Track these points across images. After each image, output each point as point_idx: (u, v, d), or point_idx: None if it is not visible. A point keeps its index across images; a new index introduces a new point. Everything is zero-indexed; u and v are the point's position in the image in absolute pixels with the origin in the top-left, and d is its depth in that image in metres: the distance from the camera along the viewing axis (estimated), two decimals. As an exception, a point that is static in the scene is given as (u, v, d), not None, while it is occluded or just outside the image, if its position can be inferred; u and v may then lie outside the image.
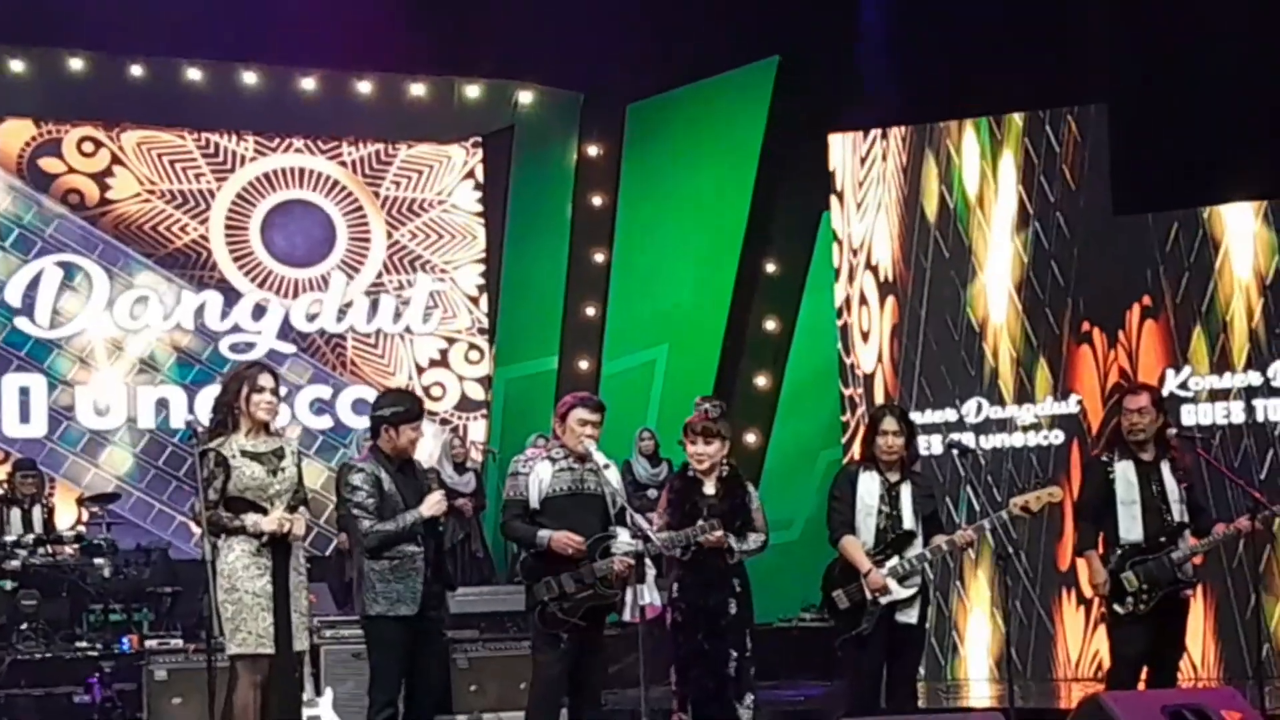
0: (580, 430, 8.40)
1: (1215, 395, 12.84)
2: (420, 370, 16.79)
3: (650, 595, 8.33)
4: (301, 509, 7.99)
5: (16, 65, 15.43)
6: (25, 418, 15.41)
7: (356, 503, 8.15)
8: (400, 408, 8.36)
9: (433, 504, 8.24)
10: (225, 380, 8.10)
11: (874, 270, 14.01)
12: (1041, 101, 13.54)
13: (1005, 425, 13.40)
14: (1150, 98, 13.31)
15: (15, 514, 13.50)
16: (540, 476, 8.40)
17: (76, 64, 15.51)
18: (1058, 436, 13.22)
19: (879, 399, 13.63)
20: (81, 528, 14.14)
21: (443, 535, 8.52)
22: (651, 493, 13.73)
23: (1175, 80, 13.20)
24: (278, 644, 7.74)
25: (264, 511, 7.77)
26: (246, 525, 7.72)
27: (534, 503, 8.38)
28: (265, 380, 7.88)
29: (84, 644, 12.53)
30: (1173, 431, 8.94)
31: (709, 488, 8.73)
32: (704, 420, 8.81)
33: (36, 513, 13.61)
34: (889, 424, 8.58)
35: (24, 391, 15.44)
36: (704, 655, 8.58)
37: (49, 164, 15.78)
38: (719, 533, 8.49)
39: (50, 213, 15.69)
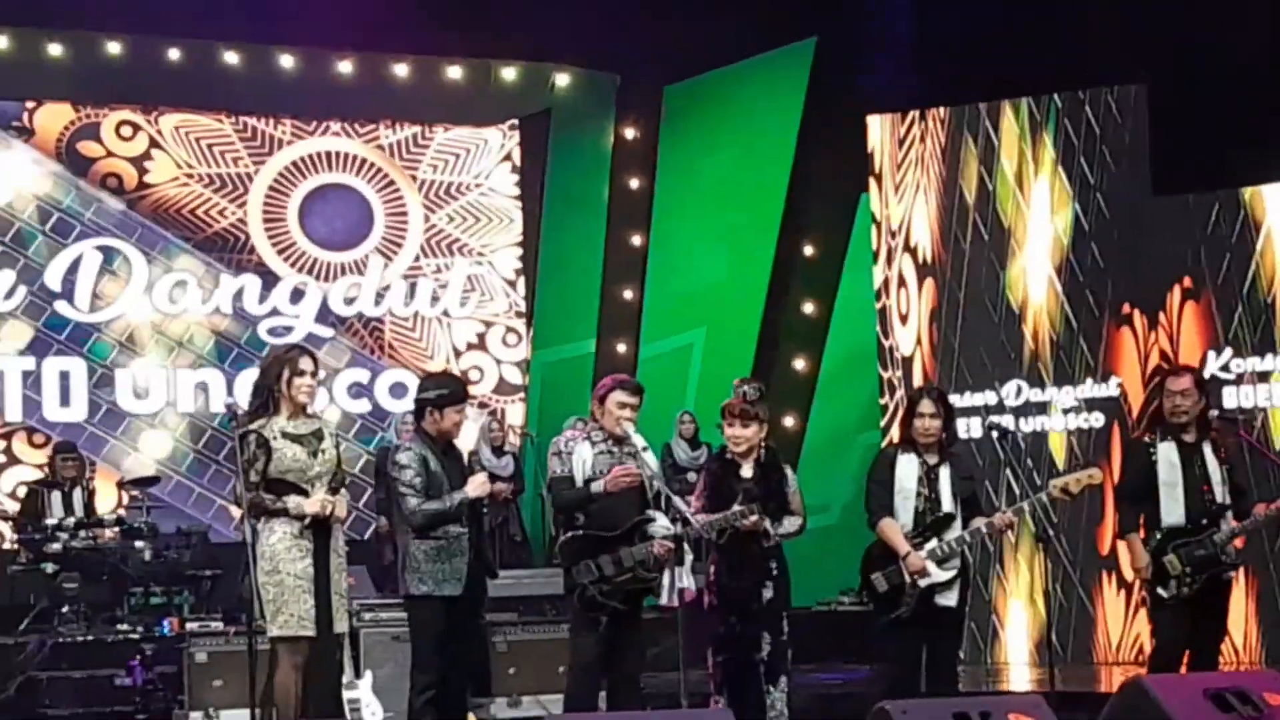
0: (619, 413, 8.39)
1: (1258, 377, 12.76)
2: (458, 354, 16.81)
3: (688, 579, 8.32)
4: (342, 491, 8.01)
5: (55, 49, 15.47)
6: (66, 401, 15.48)
7: (405, 482, 8.22)
8: (445, 390, 8.41)
9: (478, 485, 8.29)
10: (265, 364, 8.10)
11: (913, 252, 13.96)
12: (1080, 82, 13.46)
13: (1045, 408, 13.34)
14: (1189, 78, 13.23)
15: (56, 497, 13.58)
16: (583, 457, 8.40)
17: (114, 47, 15.55)
18: (1098, 419, 13.16)
19: (918, 382, 13.60)
20: (122, 511, 14.23)
21: (484, 519, 8.53)
22: (691, 476, 13.69)
23: (1213, 60, 13.11)
24: (319, 626, 7.75)
25: (305, 493, 7.78)
26: (289, 507, 7.72)
27: (579, 482, 8.38)
28: (305, 363, 7.89)
29: (125, 627, 12.59)
30: (1214, 413, 8.89)
31: (746, 470, 8.70)
32: (741, 403, 8.77)
33: (77, 496, 13.68)
34: (926, 406, 8.53)
35: (64, 375, 15.51)
36: (735, 638, 8.56)
37: (88, 148, 15.85)
38: (754, 517, 8.45)
39: (89, 196, 15.74)
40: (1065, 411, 13.26)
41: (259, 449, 7.74)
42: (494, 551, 13.01)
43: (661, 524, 8.29)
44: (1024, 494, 12.31)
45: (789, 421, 15.44)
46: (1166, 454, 8.62)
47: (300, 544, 7.76)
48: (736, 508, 8.43)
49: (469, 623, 8.42)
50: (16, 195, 15.49)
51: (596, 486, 8.29)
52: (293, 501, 7.73)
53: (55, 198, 15.64)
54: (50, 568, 12.88)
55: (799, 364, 15.85)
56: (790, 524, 8.71)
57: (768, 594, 8.63)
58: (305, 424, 7.88)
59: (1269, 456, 10.47)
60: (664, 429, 14.35)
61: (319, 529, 7.81)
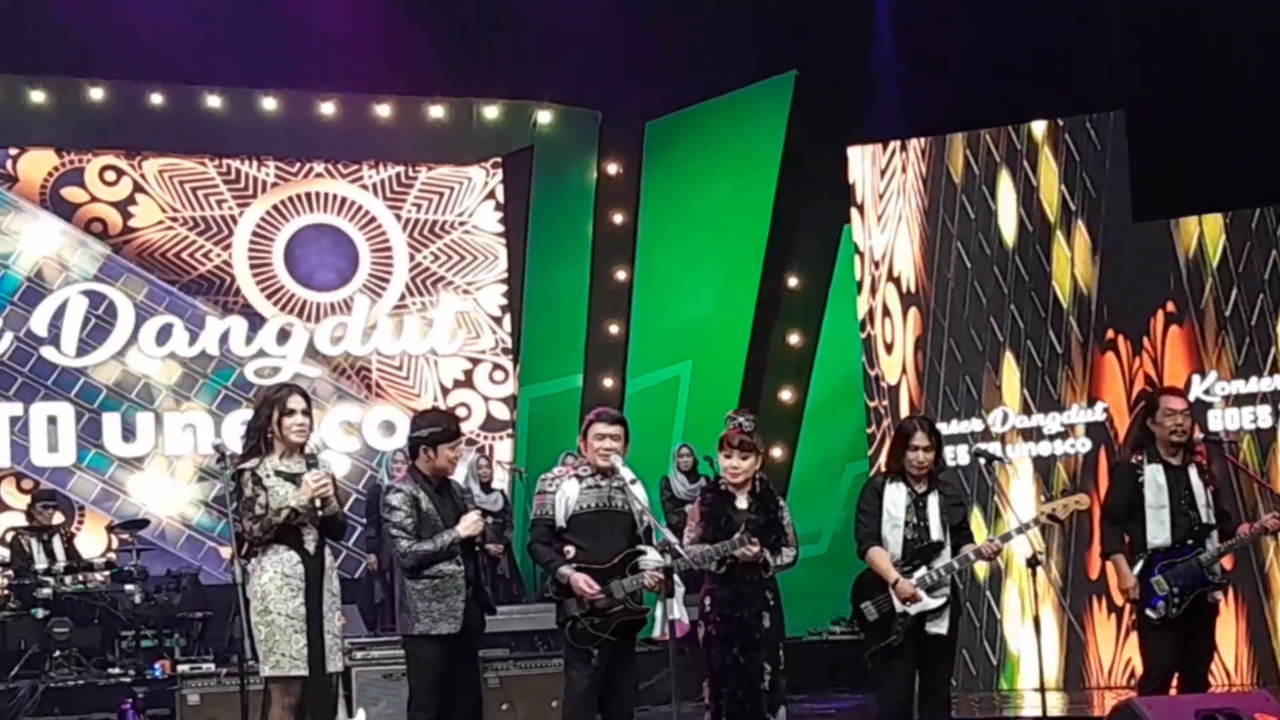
0: (599, 444, 8.39)
1: (1241, 400, 12.82)
2: (445, 391, 16.83)
3: (680, 611, 8.32)
4: (322, 461, 7.99)
5: (37, 96, 15.53)
6: (54, 446, 15.47)
7: (395, 523, 8.22)
8: (438, 428, 8.40)
9: (469, 524, 8.28)
10: (256, 404, 8.07)
11: (896, 282, 14.02)
12: (1059, 110, 13.54)
13: (1031, 434, 13.38)
14: (1168, 104, 13.32)
15: (36, 545, 13.54)
16: (567, 494, 8.40)
17: (97, 93, 15.62)
18: (1085, 444, 13.20)
19: (904, 410, 13.63)
20: (111, 555, 14.22)
21: (480, 556, 8.53)
22: (689, 509, 13.73)
23: (1192, 86, 13.21)
24: (311, 665, 7.73)
25: (298, 532, 7.76)
26: (289, 505, 7.67)
27: (560, 521, 8.38)
28: (295, 402, 7.87)
29: (116, 670, 12.58)
30: (1200, 436, 8.92)
31: (741, 501, 8.72)
32: (741, 434, 8.78)
33: (57, 543, 13.66)
34: (920, 439, 8.51)
35: (52, 420, 15.51)
36: (739, 669, 8.56)
37: (72, 193, 15.87)
38: (755, 548, 8.47)
39: (74, 241, 15.75)
40: (1052, 437, 13.30)
41: (257, 486, 7.72)
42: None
43: (652, 556, 8.30)
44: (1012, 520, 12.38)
45: (777, 452, 15.47)
46: (1154, 476, 8.65)
47: (291, 583, 7.73)
48: (737, 537, 8.45)
49: (466, 661, 8.41)
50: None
51: (563, 573, 8.27)
52: (292, 498, 7.71)
53: (44, 245, 15.64)
54: (40, 613, 12.86)
55: (786, 395, 15.89)
56: (787, 555, 8.74)
57: (766, 624, 8.65)
58: (298, 463, 7.87)
59: (1255, 478, 10.50)
60: (653, 462, 14.35)
61: (310, 567, 7.78)
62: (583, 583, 8.24)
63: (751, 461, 8.71)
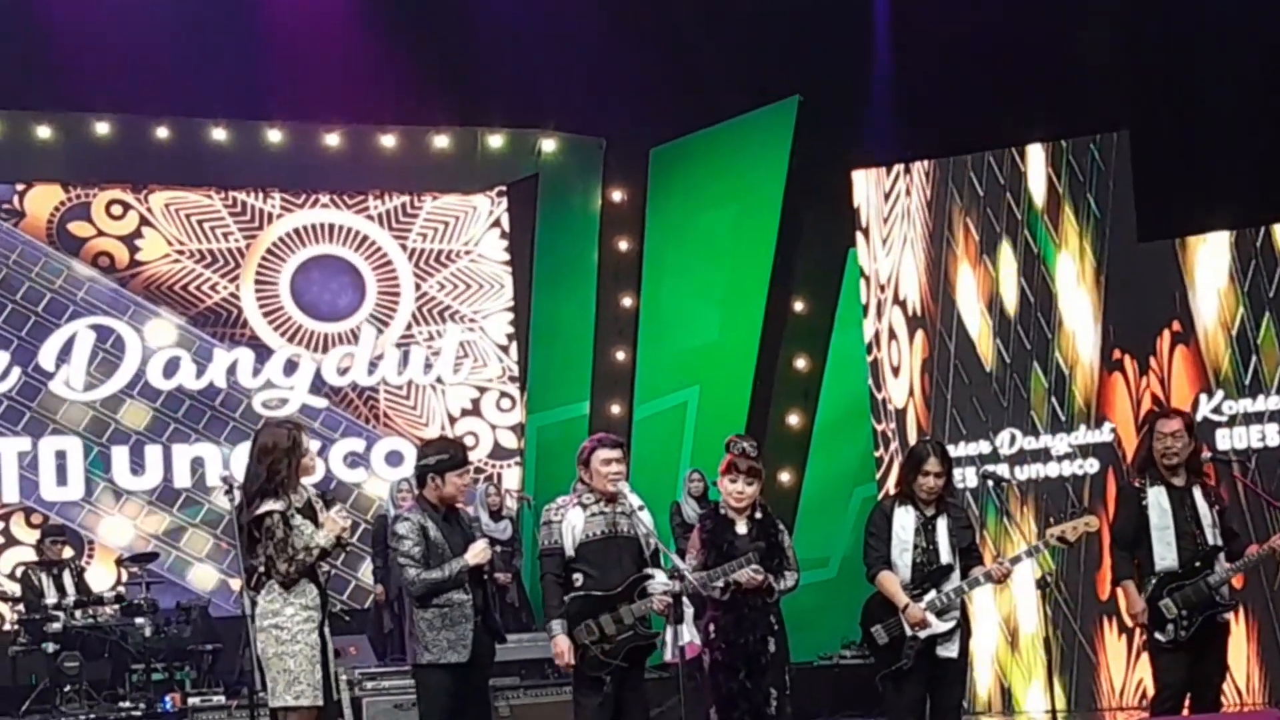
0: (605, 470, 8.38)
1: (1249, 418, 12.80)
2: (453, 420, 16.84)
3: (690, 634, 8.32)
4: (337, 504, 8.08)
5: (43, 131, 15.57)
6: (63, 480, 15.48)
7: (403, 552, 8.23)
8: (445, 455, 8.41)
9: (477, 552, 8.28)
10: (268, 442, 7.96)
11: (902, 305, 14.02)
12: (1063, 131, 13.55)
13: (1040, 455, 13.37)
14: (1171, 124, 13.33)
15: (47, 580, 13.56)
16: (573, 523, 8.39)
17: (102, 127, 15.66)
18: (1093, 465, 13.19)
19: (911, 433, 13.62)
20: (121, 588, 14.23)
21: (489, 584, 8.53)
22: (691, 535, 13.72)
23: (1196, 106, 13.22)
24: (325, 694, 7.79)
25: (315, 566, 7.83)
26: (318, 545, 7.74)
27: (570, 550, 8.38)
28: (306, 440, 7.95)
29: (127, 704, 12.59)
30: (1207, 456, 8.92)
31: (741, 527, 8.69)
32: (749, 459, 8.76)
33: (67, 578, 13.68)
34: (932, 464, 8.51)
35: (60, 455, 15.52)
36: (746, 694, 8.55)
37: (78, 228, 15.90)
38: (760, 576, 8.46)
39: (81, 276, 15.79)
40: (1060, 458, 13.29)
41: (286, 528, 7.75)
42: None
43: (660, 580, 8.30)
44: (1022, 542, 12.38)
45: (785, 476, 15.47)
46: (1157, 499, 8.65)
47: (313, 615, 7.80)
48: (745, 557, 8.43)
49: (476, 690, 8.41)
50: (7, 276, 15.53)
51: (554, 627, 8.29)
52: (319, 537, 7.77)
53: (47, 278, 15.67)
54: (51, 647, 12.87)
55: (793, 419, 15.88)
56: (790, 579, 8.73)
57: (771, 648, 8.64)
58: (300, 497, 7.91)
59: (1264, 497, 10.49)
60: (662, 488, 14.36)
61: (324, 599, 7.86)
62: (564, 648, 8.25)
63: (756, 487, 8.71)
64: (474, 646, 8.23)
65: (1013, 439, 13.42)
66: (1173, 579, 8.56)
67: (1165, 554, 8.60)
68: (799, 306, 15.99)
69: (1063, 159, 13.51)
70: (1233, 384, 12.85)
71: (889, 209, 14.16)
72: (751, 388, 15.72)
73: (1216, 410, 12.83)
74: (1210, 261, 13.00)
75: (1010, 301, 13.54)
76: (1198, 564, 8.58)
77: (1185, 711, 8.61)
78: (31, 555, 14.31)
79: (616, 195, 16.96)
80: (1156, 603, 8.56)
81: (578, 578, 8.35)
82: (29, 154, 15.62)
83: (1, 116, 15.41)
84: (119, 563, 14.69)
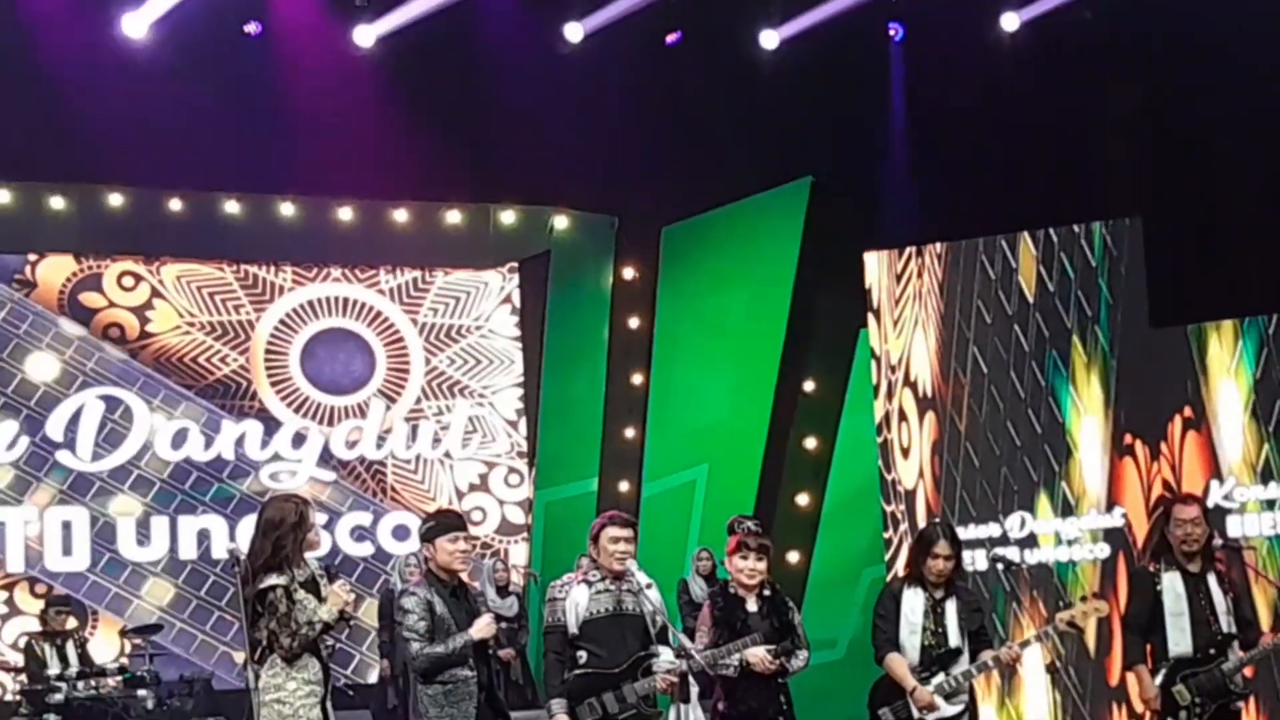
0: (613, 548, 8.36)
1: (1261, 505, 12.75)
2: (460, 495, 16.80)
3: (695, 714, 8.26)
4: (340, 577, 8.02)
5: (57, 202, 15.62)
6: (68, 550, 15.44)
7: (408, 626, 8.21)
8: (433, 523, 8.45)
9: (482, 627, 8.25)
10: (274, 516, 7.94)
11: (913, 386, 14.00)
12: (1076, 217, 13.58)
13: (1049, 539, 13.31)
14: (1184, 210, 13.35)
15: (50, 651, 13.49)
16: (576, 600, 8.35)
17: (116, 199, 15.71)
18: (1103, 550, 13.13)
19: (921, 514, 13.58)
20: (124, 659, 14.14)
21: (494, 660, 8.47)
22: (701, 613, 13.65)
23: (1208, 192, 13.25)
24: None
25: (317, 646, 7.78)
26: (321, 619, 7.70)
27: (573, 628, 8.33)
28: (312, 514, 7.94)
29: (129, 777, 12.49)
30: (1219, 543, 8.88)
31: (751, 604, 8.66)
32: (759, 537, 8.72)
33: (70, 649, 13.59)
34: (942, 547, 8.49)
35: (66, 525, 15.48)
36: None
37: (90, 299, 15.92)
38: (773, 663, 8.40)
39: (91, 347, 15.80)
40: (1069, 542, 13.23)
41: (290, 602, 7.72)
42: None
43: (665, 658, 8.24)
44: (1031, 627, 12.31)
45: (793, 557, 15.40)
46: (1172, 584, 8.60)
47: (315, 690, 7.76)
48: (750, 638, 8.38)
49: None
50: (17, 346, 15.55)
51: (554, 707, 8.23)
52: (323, 611, 7.72)
53: (58, 349, 15.69)
54: (53, 719, 12.78)
55: (802, 499, 15.84)
56: (802, 658, 8.68)
57: (782, 726, 8.59)
58: (304, 571, 7.88)
59: (1275, 584, 10.43)
60: (669, 565, 14.31)
61: (326, 673, 7.81)
62: None
63: (765, 564, 8.68)
64: (477, 724, 8.18)
65: (1023, 522, 13.37)
66: (1187, 665, 8.51)
67: (1180, 640, 8.55)
68: (809, 386, 15.97)
69: (1075, 244, 13.53)
70: (1244, 470, 12.80)
71: (900, 290, 14.18)
72: (761, 467, 15.69)
73: (1227, 497, 12.78)
74: (1222, 348, 12.98)
75: (1023, 383, 13.52)
76: (1212, 651, 8.52)
77: (1196, 800, 8.53)
78: (34, 625, 14.24)
79: (628, 273, 16.98)
80: (1170, 689, 8.50)
81: (582, 655, 8.30)
82: (42, 224, 15.66)
83: (15, 187, 15.47)
84: (122, 634, 14.63)
